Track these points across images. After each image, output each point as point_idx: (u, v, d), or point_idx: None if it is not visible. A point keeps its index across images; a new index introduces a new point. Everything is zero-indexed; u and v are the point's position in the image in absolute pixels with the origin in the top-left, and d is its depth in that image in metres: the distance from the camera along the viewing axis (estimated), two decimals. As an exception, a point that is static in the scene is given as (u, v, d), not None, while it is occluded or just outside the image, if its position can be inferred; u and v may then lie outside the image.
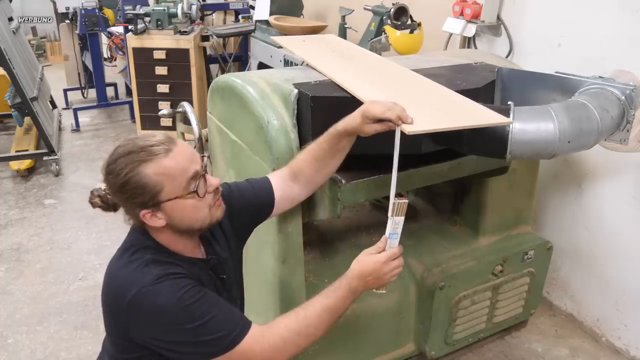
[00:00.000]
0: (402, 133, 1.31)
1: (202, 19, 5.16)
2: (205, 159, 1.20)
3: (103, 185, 1.19)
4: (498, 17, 2.80)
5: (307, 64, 2.05)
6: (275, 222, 1.78)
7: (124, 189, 1.12)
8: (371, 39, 3.08)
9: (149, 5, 4.72)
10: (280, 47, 4.07)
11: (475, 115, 1.48)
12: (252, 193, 1.45)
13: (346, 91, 1.67)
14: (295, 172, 1.47)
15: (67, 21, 5.55)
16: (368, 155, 1.75)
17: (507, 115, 1.49)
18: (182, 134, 2.36)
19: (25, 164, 4.22)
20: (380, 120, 1.31)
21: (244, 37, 5.33)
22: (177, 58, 4.44)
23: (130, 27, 4.49)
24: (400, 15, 3.02)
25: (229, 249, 1.40)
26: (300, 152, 1.50)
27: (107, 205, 1.21)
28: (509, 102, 1.56)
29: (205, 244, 1.33)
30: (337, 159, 1.46)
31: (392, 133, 1.65)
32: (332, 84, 1.78)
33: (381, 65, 1.99)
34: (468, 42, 3.01)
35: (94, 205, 1.21)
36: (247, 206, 1.44)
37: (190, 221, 1.18)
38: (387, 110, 1.30)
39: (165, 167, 1.11)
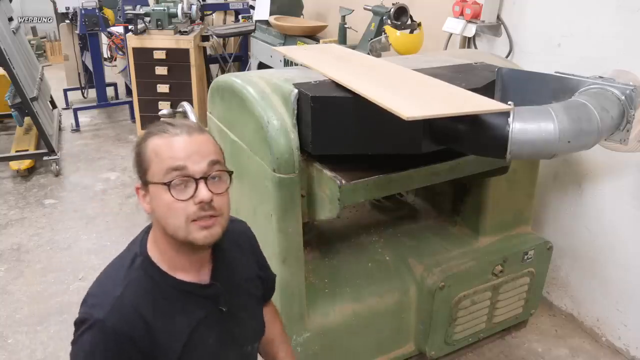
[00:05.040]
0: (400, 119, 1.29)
1: (202, 19, 5.16)
2: (225, 174, 1.08)
3: None
4: (498, 17, 2.80)
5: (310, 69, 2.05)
6: (275, 222, 1.78)
7: (134, 154, 1.07)
8: (371, 39, 3.08)
9: (149, 5, 4.72)
10: (280, 46, 4.07)
11: (476, 103, 1.48)
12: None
13: (346, 91, 1.67)
14: None
15: (67, 21, 5.55)
16: (368, 156, 1.75)
17: (507, 116, 1.50)
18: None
19: (25, 164, 4.22)
20: None
21: (244, 37, 5.33)
22: (177, 58, 4.44)
23: (130, 27, 4.49)
24: (400, 15, 3.02)
25: (249, 277, 1.28)
26: None
27: None
28: (509, 102, 1.56)
29: (218, 265, 1.17)
30: None
31: (392, 133, 1.66)
32: (332, 84, 1.78)
33: (382, 66, 1.99)
34: (468, 42, 3.01)
35: None
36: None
37: (163, 220, 1.05)
38: None
39: (159, 146, 1.03)
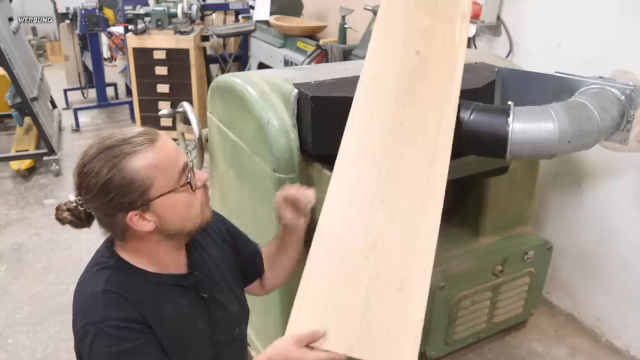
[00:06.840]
0: None
1: (202, 19, 5.16)
2: (191, 153, 1.18)
3: (72, 197, 1.06)
4: (498, 17, 2.80)
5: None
6: (275, 222, 1.78)
7: (107, 189, 0.98)
8: (371, 39, 3.07)
9: (149, 5, 4.72)
10: (280, 46, 4.07)
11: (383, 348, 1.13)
12: (250, 250, 1.43)
13: (346, 91, 1.66)
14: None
15: (67, 21, 5.55)
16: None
17: (507, 116, 1.49)
18: (182, 134, 2.36)
19: (25, 164, 4.22)
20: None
21: (244, 37, 5.33)
22: (177, 58, 4.45)
23: (130, 27, 4.49)
24: (400, 15, 3.01)
25: (224, 261, 1.30)
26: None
27: (79, 219, 1.07)
28: (509, 102, 1.56)
29: (191, 253, 1.20)
30: (288, 257, 1.47)
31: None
32: (332, 83, 1.78)
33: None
34: (468, 42, 3.01)
35: (62, 221, 1.07)
36: (244, 259, 1.39)
37: (182, 220, 1.07)
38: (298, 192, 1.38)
39: (153, 159, 1.00)
